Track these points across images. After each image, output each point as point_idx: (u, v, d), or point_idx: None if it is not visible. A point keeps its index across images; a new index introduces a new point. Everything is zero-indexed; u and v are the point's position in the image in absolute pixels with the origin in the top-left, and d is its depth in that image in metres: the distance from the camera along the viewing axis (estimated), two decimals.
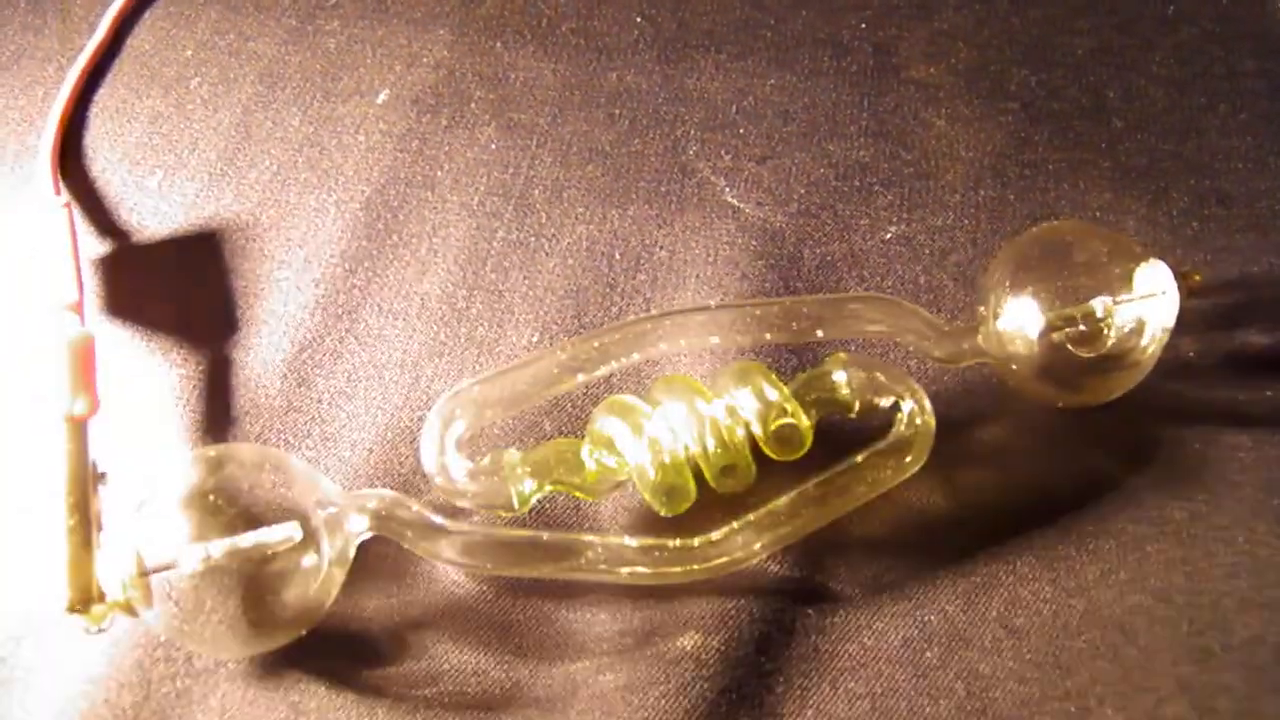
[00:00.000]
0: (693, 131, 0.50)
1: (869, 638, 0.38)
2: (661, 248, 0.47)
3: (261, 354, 0.45)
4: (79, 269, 0.43)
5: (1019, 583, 0.39)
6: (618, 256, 0.46)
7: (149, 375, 0.44)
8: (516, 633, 0.39)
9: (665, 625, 0.38)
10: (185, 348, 0.45)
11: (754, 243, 0.46)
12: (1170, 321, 0.40)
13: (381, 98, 0.51)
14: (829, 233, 0.47)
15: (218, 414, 0.43)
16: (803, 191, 0.48)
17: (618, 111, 0.51)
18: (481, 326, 0.45)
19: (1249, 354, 0.44)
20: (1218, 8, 0.54)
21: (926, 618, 0.38)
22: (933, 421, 0.39)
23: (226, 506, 0.36)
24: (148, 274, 0.47)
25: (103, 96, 0.52)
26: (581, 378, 0.39)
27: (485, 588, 0.39)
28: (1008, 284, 0.40)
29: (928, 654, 0.38)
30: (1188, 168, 0.49)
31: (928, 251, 0.46)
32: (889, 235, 0.47)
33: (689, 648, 0.37)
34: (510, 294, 0.46)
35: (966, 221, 0.47)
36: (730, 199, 0.48)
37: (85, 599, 0.35)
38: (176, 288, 0.47)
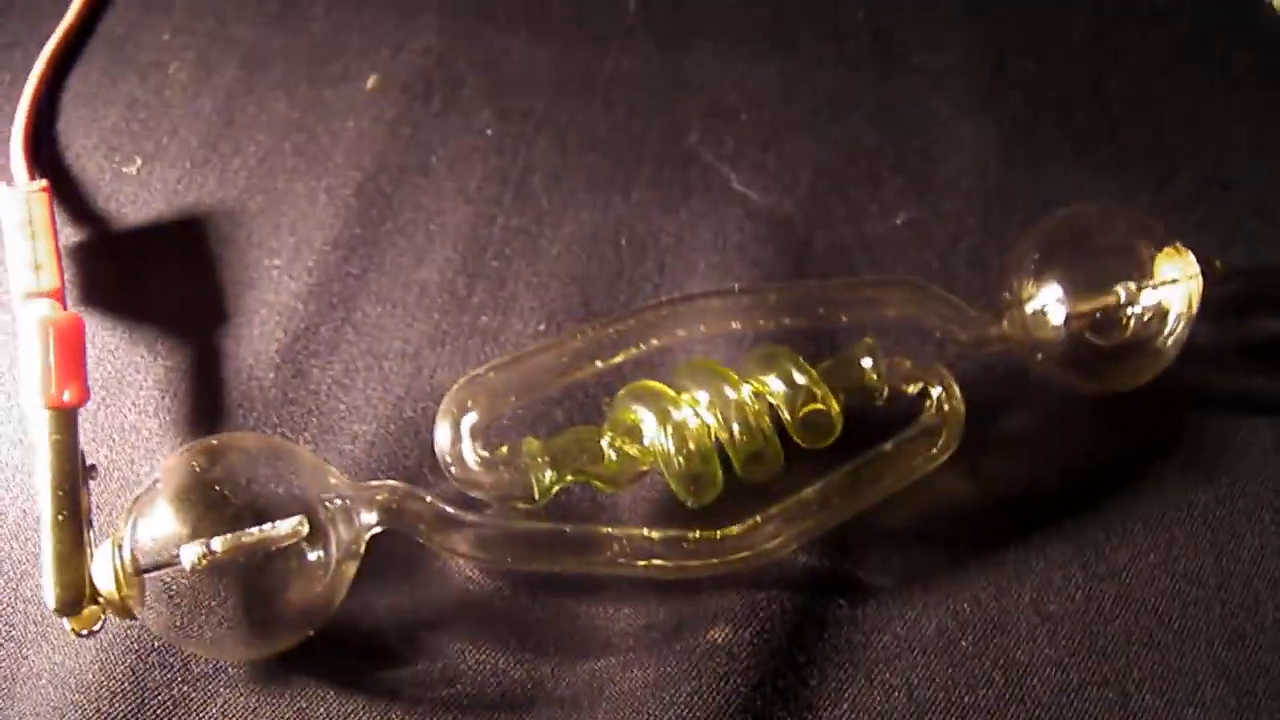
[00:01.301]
0: (694, 117, 0.49)
1: (902, 628, 0.37)
2: (668, 234, 0.45)
3: (253, 344, 0.43)
4: (59, 255, 0.41)
5: (1050, 568, 0.38)
6: (623, 243, 0.45)
7: (134, 368, 0.42)
8: (537, 630, 0.37)
9: (693, 619, 0.37)
10: (172, 339, 0.43)
11: (763, 229, 0.45)
12: (1194, 308, 0.39)
13: (371, 82, 0.50)
14: (839, 218, 0.46)
15: (209, 407, 0.41)
16: (809, 177, 0.47)
17: (615, 97, 0.50)
18: (485, 314, 0.43)
19: (1263, 338, 0.44)
20: None
21: (959, 606, 0.37)
22: (962, 407, 0.38)
23: (228, 499, 0.34)
24: (129, 263, 0.45)
25: (75, 82, 0.50)
26: (598, 364, 0.38)
27: (502, 583, 0.38)
28: (1033, 269, 0.39)
29: (962, 643, 0.37)
30: (1189, 154, 0.49)
31: (939, 236, 0.45)
32: (899, 221, 0.46)
33: (720, 641, 0.36)
34: (513, 281, 0.44)
35: (976, 206, 0.46)
36: (737, 186, 0.47)
37: (75, 599, 0.33)
38: (160, 277, 0.45)
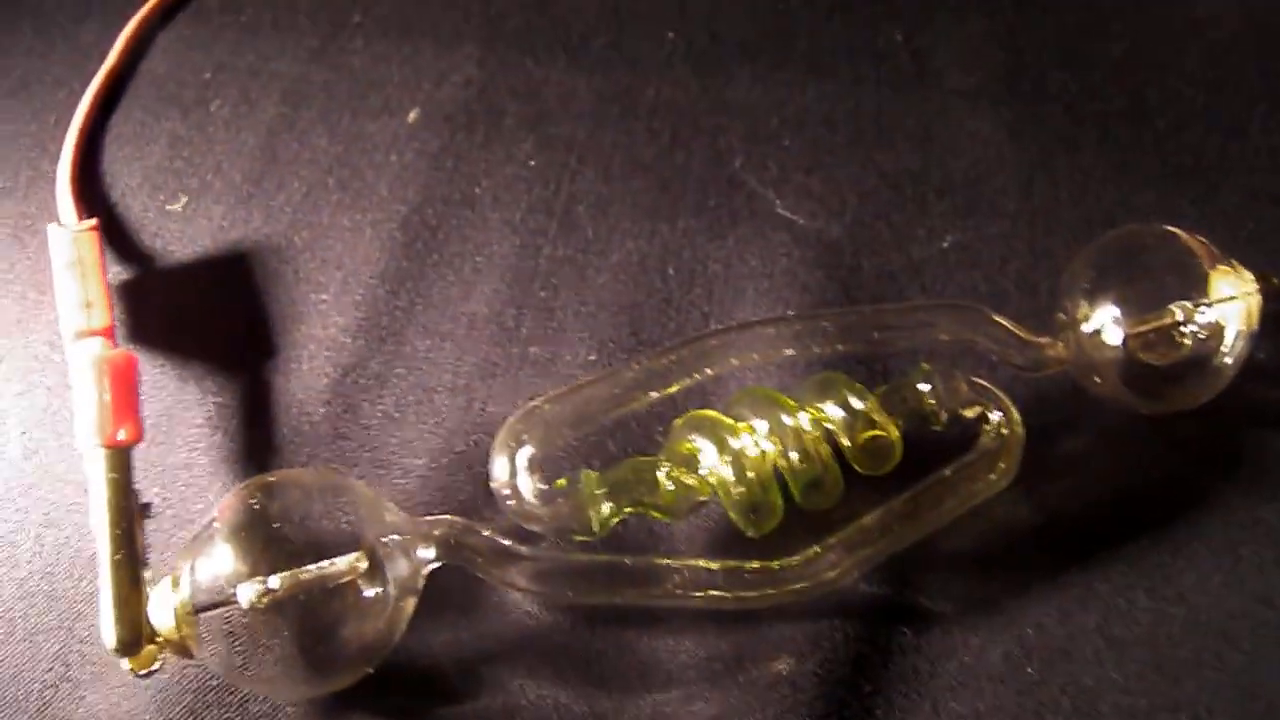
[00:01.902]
0: (736, 143, 0.49)
1: (968, 655, 0.36)
2: (715, 261, 0.45)
3: (303, 380, 0.43)
4: (109, 294, 0.41)
5: (1115, 593, 0.37)
6: (671, 271, 0.45)
7: (183, 406, 0.42)
8: (597, 664, 0.37)
9: (755, 650, 0.36)
10: (221, 376, 0.43)
11: (811, 254, 0.45)
12: (1253, 325, 0.39)
13: (412, 116, 0.50)
14: (886, 242, 0.46)
15: (260, 443, 0.41)
16: (855, 201, 0.47)
17: (657, 124, 0.49)
18: (535, 345, 0.43)
19: None
20: (1243, 8, 0.54)
21: (1024, 632, 0.37)
22: (1022, 431, 0.38)
23: (285, 536, 0.33)
24: (177, 300, 0.45)
25: (118, 121, 0.51)
26: (653, 395, 0.38)
27: (561, 617, 0.37)
28: (1087, 289, 0.39)
29: (1029, 669, 0.36)
30: (1234, 167, 0.48)
31: (986, 258, 0.45)
32: (946, 244, 0.46)
33: (784, 672, 0.36)
34: (562, 311, 0.44)
35: (1023, 227, 0.46)
36: (782, 211, 0.46)
37: (134, 639, 0.33)
38: (208, 314, 0.45)
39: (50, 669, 0.37)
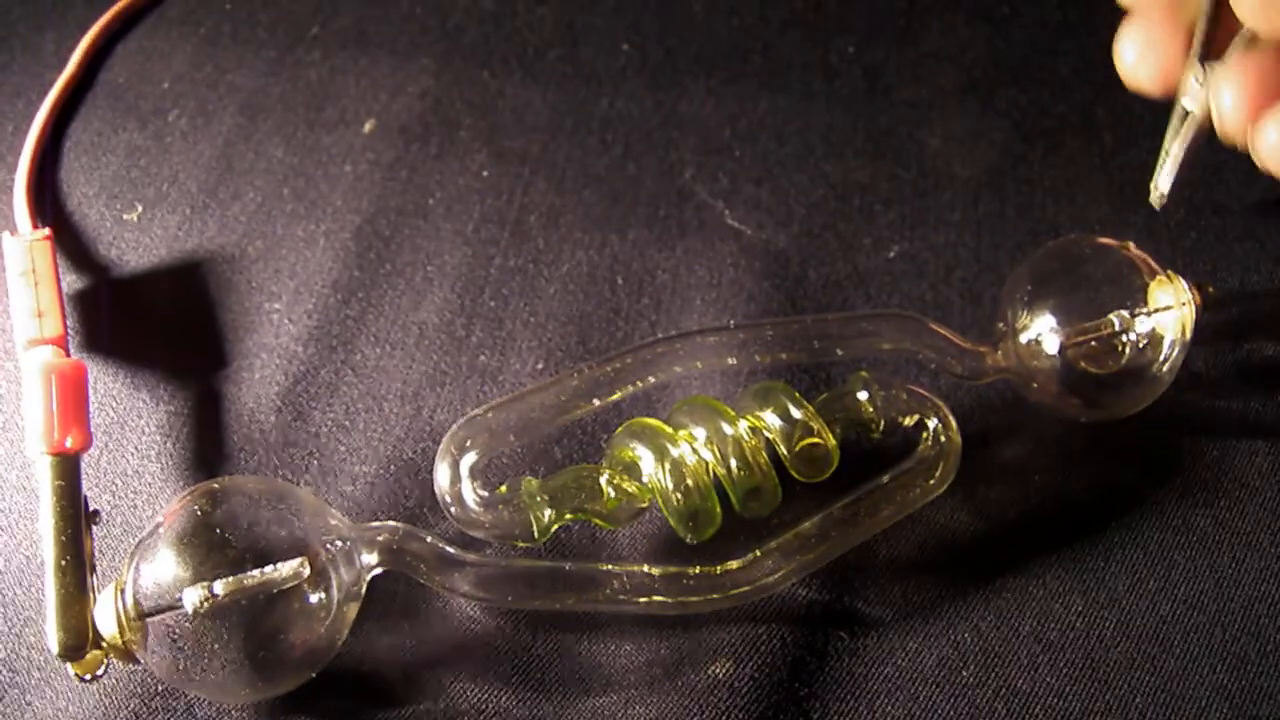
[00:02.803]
0: (687, 155, 0.49)
1: (903, 659, 0.37)
2: (664, 271, 0.46)
3: (254, 388, 0.43)
4: (62, 303, 0.41)
5: (1050, 597, 0.38)
6: (620, 281, 0.46)
7: (136, 413, 0.43)
8: (538, 668, 0.37)
9: (694, 654, 0.37)
10: (173, 383, 0.43)
11: (758, 264, 0.46)
12: (1188, 334, 0.39)
13: (368, 127, 0.50)
14: (833, 252, 0.46)
15: (211, 450, 0.42)
16: (803, 212, 0.47)
17: (610, 137, 0.50)
18: (483, 354, 0.44)
19: (1257, 362, 0.44)
20: None
21: (960, 636, 0.37)
22: (959, 439, 0.38)
23: (230, 541, 0.34)
24: (131, 309, 0.45)
25: (76, 130, 0.51)
26: (596, 402, 0.38)
27: (502, 622, 0.38)
28: (1026, 300, 0.40)
29: (963, 673, 0.37)
30: (1177, 181, 0.49)
31: (932, 268, 0.46)
32: (892, 254, 0.46)
33: (721, 676, 0.36)
34: (511, 321, 0.45)
35: (968, 238, 0.47)
36: (731, 221, 0.47)
37: (78, 644, 0.34)
38: (162, 323, 0.45)
39: None
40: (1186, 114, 0.40)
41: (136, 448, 0.42)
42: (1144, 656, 0.37)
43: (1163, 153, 0.41)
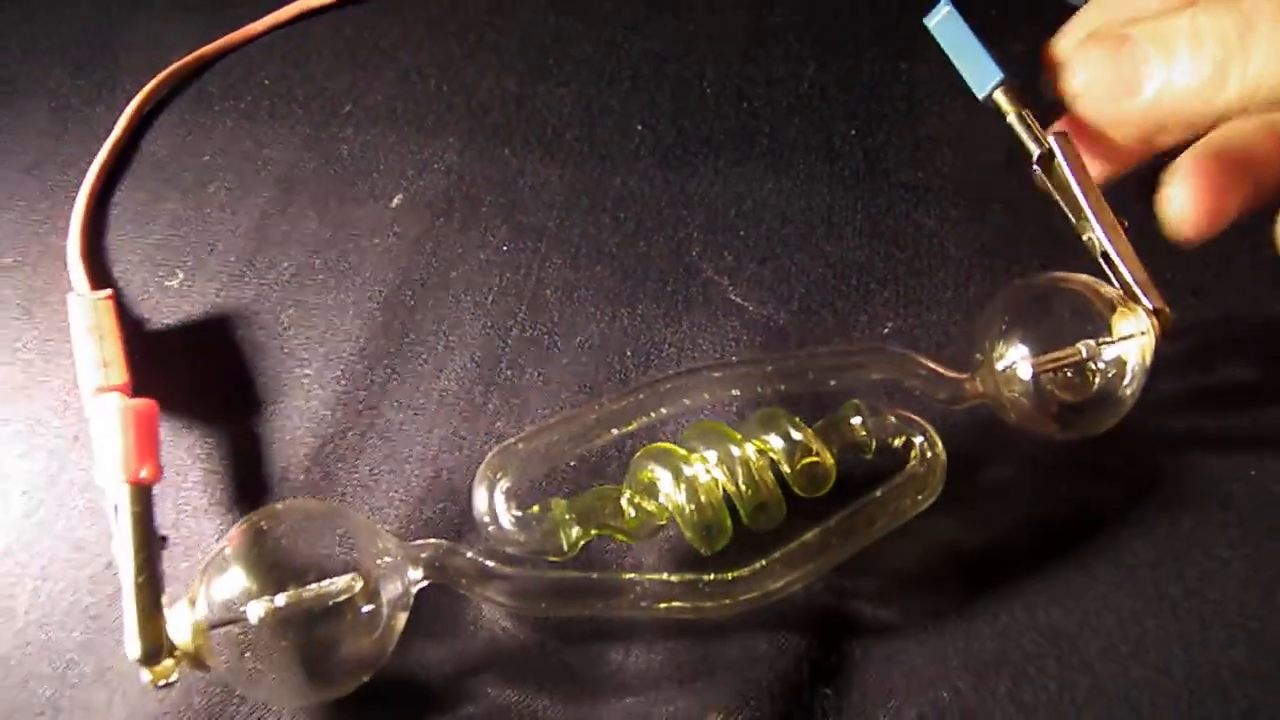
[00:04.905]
0: (695, 233, 0.52)
1: (885, 716, 0.39)
2: (670, 344, 0.49)
3: (285, 449, 0.46)
4: (125, 353, 0.45)
5: (1026, 660, 0.41)
6: (629, 353, 0.48)
7: (173, 470, 0.45)
8: (569, 673, 0.40)
9: (709, 658, 0.41)
10: (210, 442, 0.46)
11: (759, 339, 0.49)
12: (1148, 360, 0.42)
13: (396, 201, 0.53)
14: (830, 329, 0.49)
15: (245, 509, 0.44)
16: (803, 290, 0.50)
17: (623, 215, 0.53)
18: (500, 420, 0.47)
19: (1229, 412, 0.47)
20: None
21: (939, 695, 0.40)
22: (943, 454, 0.42)
23: (290, 558, 0.37)
24: (170, 370, 0.48)
25: (121, 198, 0.54)
26: (614, 432, 0.42)
27: (534, 632, 0.41)
28: (1000, 330, 0.43)
29: None
30: (1162, 264, 0.51)
31: (924, 345, 0.49)
32: (886, 330, 0.49)
33: None
34: (526, 390, 0.47)
35: (959, 316, 0.50)
36: (734, 297, 0.50)
37: (155, 650, 0.37)
38: (198, 385, 0.48)
39: (42, 713, 0.40)
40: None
41: (174, 502, 0.45)
42: (1114, 718, 0.39)
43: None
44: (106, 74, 0.59)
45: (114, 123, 0.56)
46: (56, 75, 0.59)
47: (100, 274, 0.51)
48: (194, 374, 0.48)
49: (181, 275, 0.51)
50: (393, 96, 0.58)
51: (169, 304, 0.50)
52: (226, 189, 0.54)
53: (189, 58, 0.59)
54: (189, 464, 0.46)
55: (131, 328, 0.50)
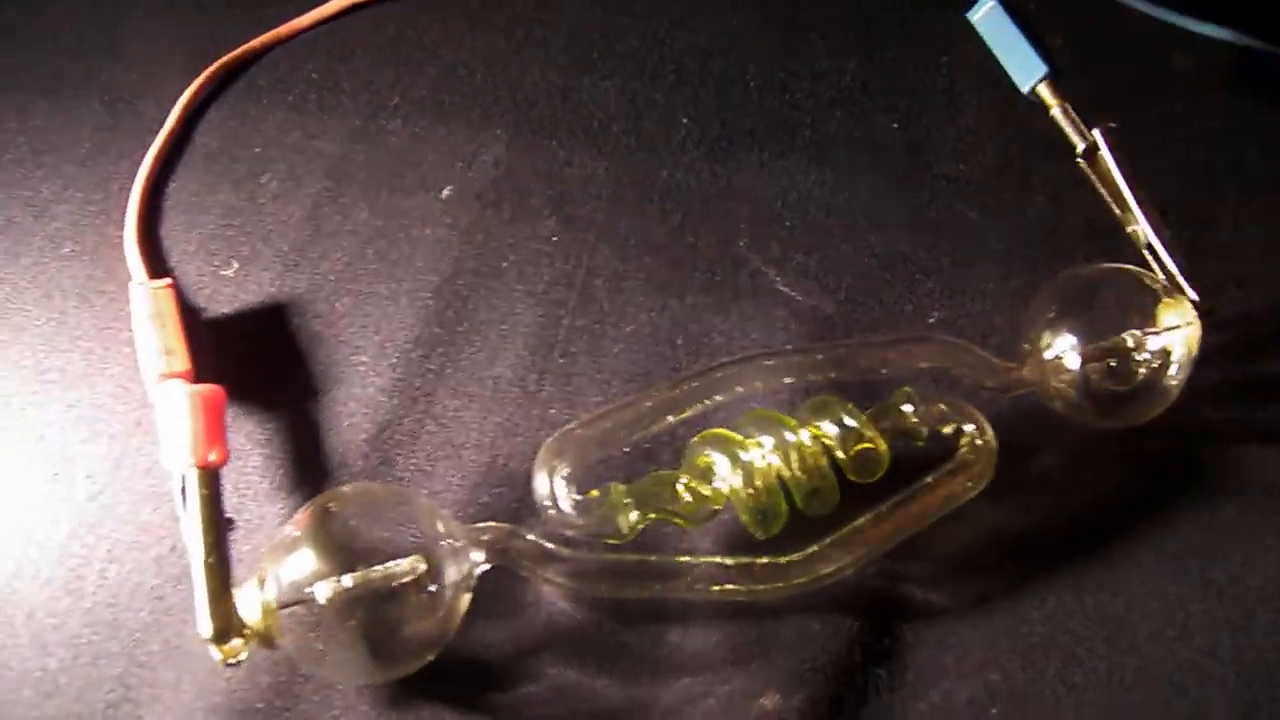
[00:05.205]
0: (742, 225, 0.53)
1: (937, 695, 0.40)
2: (719, 333, 0.50)
3: (343, 435, 0.47)
4: (186, 341, 0.46)
5: (1074, 643, 0.42)
6: (679, 342, 0.49)
7: (235, 452, 0.46)
8: (627, 653, 0.42)
9: (762, 639, 0.42)
10: (269, 428, 0.47)
11: (807, 328, 0.49)
12: (1194, 351, 0.43)
13: (446, 193, 0.54)
14: (876, 319, 0.50)
15: (305, 493, 0.45)
16: (849, 280, 0.51)
17: (669, 206, 0.54)
18: (554, 407, 0.47)
19: (1272, 401, 0.48)
20: (1220, 102, 0.58)
21: (990, 677, 0.41)
22: (994, 442, 0.43)
23: (356, 540, 0.38)
24: (228, 358, 0.49)
25: (175, 190, 0.55)
26: (670, 419, 0.43)
27: (593, 614, 0.42)
28: (1049, 320, 0.44)
29: (992, 711, 0.40)
30: (1206, 254, 0.52)
31: (968, 334, 0.49)
32: (932, 320, 0.50)
33: (770, 708, 0.40)
34: (579, 377, 0.48)
35: (1002, 306, 0.50)
36: (782, 287, 0.51)
37: (225, 630, 0.38)
38: (255, 373, 0.49)
39: (112, 690, 0.41)
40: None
41: (235, 486, 0.46)
42: (1160, 701, 0.40)
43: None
44: (156, 68, 0.60)
45: (165, 116, 0.57)
46: (108, 70, 0.60)
47: (156, 264, 0.52)
48: (251, 361, 0.49)
49: (236, 264, 0.52)
50: (439, 89, 0.59)
51: (225, 292, 0.51)
52: (278, 180, 0.55)
53: (236, 52, 0.60)
54: (249, 449, 0.47)
55: (189, 316, 0.50)
